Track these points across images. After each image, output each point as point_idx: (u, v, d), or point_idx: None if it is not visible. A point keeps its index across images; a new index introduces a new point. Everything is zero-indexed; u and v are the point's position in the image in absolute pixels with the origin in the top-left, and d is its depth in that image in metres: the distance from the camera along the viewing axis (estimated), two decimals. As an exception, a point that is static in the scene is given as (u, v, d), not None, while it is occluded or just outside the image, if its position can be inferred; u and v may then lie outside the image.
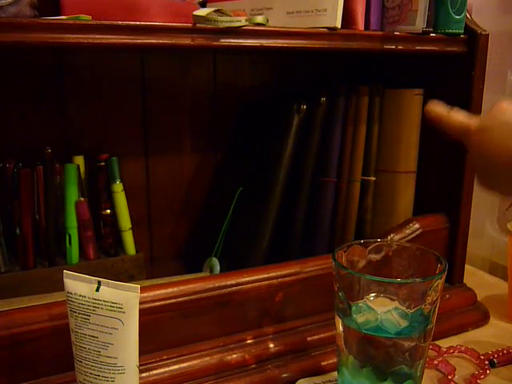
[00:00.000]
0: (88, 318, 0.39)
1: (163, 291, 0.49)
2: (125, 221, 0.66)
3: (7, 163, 0.61)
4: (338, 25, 0.52)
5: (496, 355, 0.57)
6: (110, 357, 0.39)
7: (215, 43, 0.48)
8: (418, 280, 0.43)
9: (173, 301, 0.49)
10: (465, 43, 0.60)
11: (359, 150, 0.67)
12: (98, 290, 0.39)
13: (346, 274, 0.44)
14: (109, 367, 0.39)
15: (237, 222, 0.69)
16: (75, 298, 0.39)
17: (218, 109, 0.76)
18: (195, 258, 0.73)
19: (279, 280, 0.54)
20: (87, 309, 0.39)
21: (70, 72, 0.66)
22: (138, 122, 0.71)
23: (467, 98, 0.61)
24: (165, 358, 0.50)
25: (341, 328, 0.46)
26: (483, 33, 0.59)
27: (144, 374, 0.48)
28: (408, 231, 0.63)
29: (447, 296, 0.64)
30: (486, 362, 0.56)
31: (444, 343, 0.60)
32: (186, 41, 0.47)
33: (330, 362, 0.54)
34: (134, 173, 0.72)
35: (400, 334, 0.43)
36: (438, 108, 0.46)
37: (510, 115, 0.40)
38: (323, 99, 0.64)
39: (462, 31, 0.58)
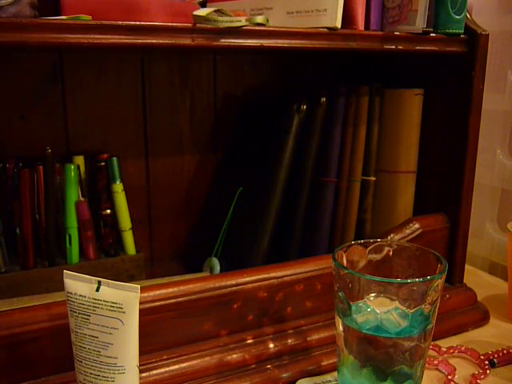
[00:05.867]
0: (88, 318, 0.39)
1: (163, 291, 0.49)
2: (125, 221, 0.66)
3: (7, 163, 0.61)
4: (338, 25, 0.52)
5: (496, 355, 0.57)
6: (110, 357, 0.39)
7: (215, 43, 0.48)
8: (417, 280, 0.43)
9: (173, 301, 0.49)
10: (465, 43, 0.60)
11: (359, 150, 0.67)
12: (98, 290, 0.39)
13: (346, 274, 0.44)
14: (109, 367, 0.39)
15: (237, 222, 0.69)
16: (75, 298, 0.39)
17: (218, 109, 0.76)
18: (195, 258, 0.73)
19: (279, 280, 0.54)
20: (87, 309, 0.39)
21: (70, 72, 0.66)
22: (138, 122, 0.71)
23: (467, 97, 0.61)
24: (165, 357, 0.50)
25: (341, 328, 0.46)
26: (483, 33, 0.59)
27: (144, 374, 0.48)
28: (408, 231, 0.63)
29: (447, 296, 0.64)
30: (486, 362, 0.56)
31: (444, 343, 0.60)
32: (186, 41, 0.47)
33: (330, 361, 0.54)
34: (134, 173, 0.72)
35: (400, 333, 0.43)
36: None
37: None
38: (323, 99, 0.64)
39: (462, 31, 0.58)
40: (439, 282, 0.43)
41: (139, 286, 0.39)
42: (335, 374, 0.50)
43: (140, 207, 0.73)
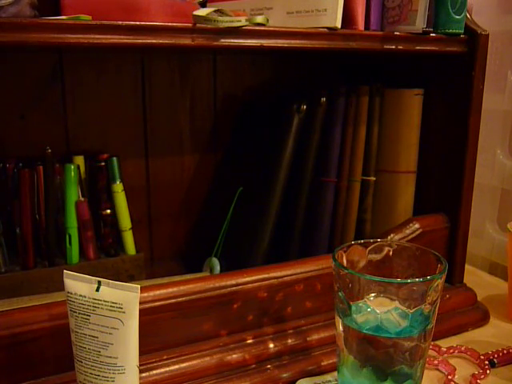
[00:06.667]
0: (88, 318, 0.39)
1: (163, 291, 0.49)
2: (125, 221, 0.66)
3: (7, 163, 0.61)
4: (338, 25, 0.52)
5: (496, 355, 0.57)
6: (110, 357, 0.39)
7: (215, 43, 0.48)
8: (417, 280, 0.43)
9: (173, 301, 0.49)
10: (465, 43, 0.60)
11: (359, 150, 0.67)
12: (98, 289, 0.39)
13: (346, 274, 0.44)
14: (109, 367, 0.39)
15: (237, 222, 0.69)
16: (75, 298, 0.39)
17: (218, 109, 0.76)
18: (195, 258, 0.73)
19: (279, 280, 0.54)
20: (87, 309, 0.39)
21: (70, 72, 0.66)
22: (138, 122, 0.71)
23: (467, 97, 0.61)
24: (165, 357, 0.50)
25: (341, 328, 0.46)
26: (483, 33, 0.59)
27: (144, 374, 0.48)
28: (408, 231, 0.63)
29: (447, 296, 0.64)
30: (486, 362, 0.56)
31: (444, 343, 0.60)
32: (186, 41, 0.47)
33: (330, 361, 0.54)
34: (134, 173, 0.72)
35: (400, 333, 0.43)
36: None
37: None
38: (323, 99, 0.64)
39: (462, 31, 0.58)
40: (439, 282, 0.43)
41: (139, 286, 0.39)
42: (335, 374, 0.50)
43: (140, 207, 0.73)
